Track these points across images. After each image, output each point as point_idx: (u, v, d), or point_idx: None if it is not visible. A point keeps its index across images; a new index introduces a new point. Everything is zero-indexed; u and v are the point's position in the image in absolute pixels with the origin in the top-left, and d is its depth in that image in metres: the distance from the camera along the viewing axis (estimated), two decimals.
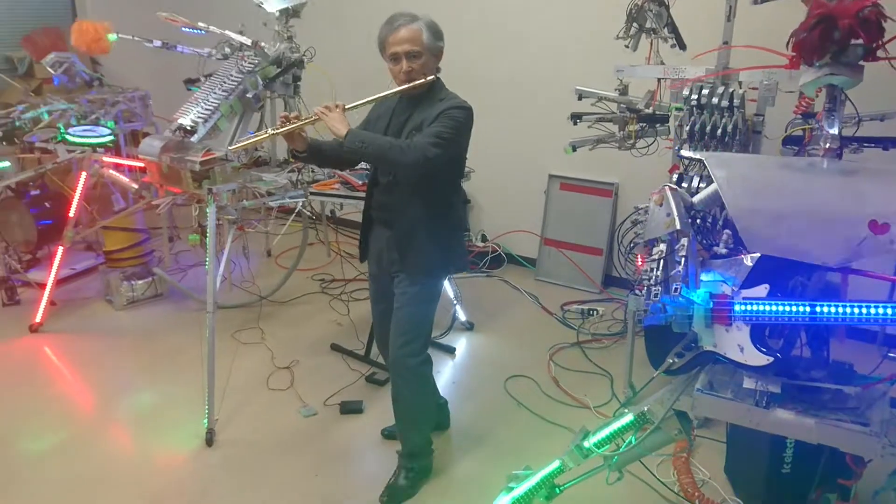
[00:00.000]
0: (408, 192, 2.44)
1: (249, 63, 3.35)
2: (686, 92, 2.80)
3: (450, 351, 3.62)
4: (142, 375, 3.43)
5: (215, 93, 3.29)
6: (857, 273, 1.62)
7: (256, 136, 2.38)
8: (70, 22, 6.19)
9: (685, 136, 2.82)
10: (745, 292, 1.73)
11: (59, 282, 4.34)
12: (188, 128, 3.20)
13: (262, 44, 3.36)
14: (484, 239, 4.80)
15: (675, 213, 1.83)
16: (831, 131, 1.75)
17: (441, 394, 2.99)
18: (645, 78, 3.00)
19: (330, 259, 4.79)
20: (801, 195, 1.61)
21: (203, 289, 4.18)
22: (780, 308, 1.64)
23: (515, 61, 4.49)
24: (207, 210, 3.00)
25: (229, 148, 2.37)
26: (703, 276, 1.84)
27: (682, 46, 2.97)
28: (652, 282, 1.82)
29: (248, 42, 3.16)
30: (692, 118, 2.78)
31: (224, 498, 2.57)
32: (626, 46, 3.06)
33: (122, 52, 4.25)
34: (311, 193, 3.24)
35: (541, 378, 3.34)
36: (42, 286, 4.11)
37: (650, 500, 2.53)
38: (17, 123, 4.36)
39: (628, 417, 2.11)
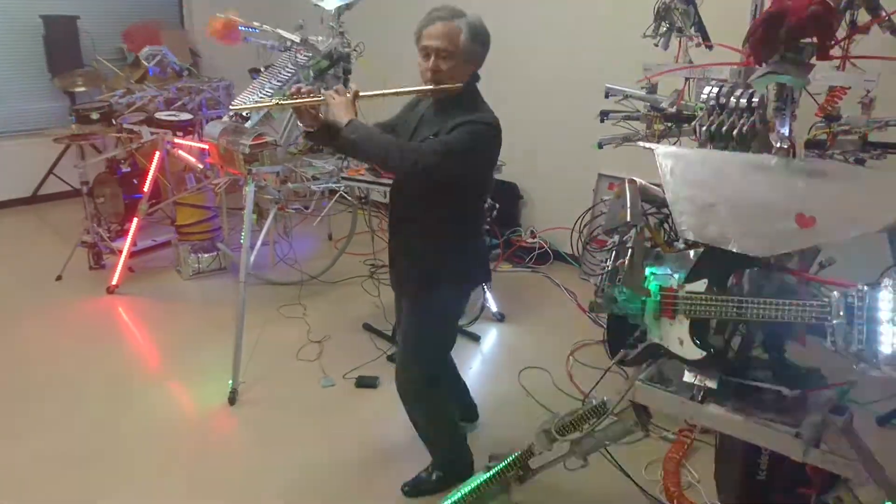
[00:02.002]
0: (413, 199, 2.32)
1: (304, 56, 3.61)
2: (706, 90, 2.77)
3: (475, 339, 3.72)
4: (194, 338, 3.75)
5: (271, 83, 3.57)
6: (784, 273, 1.60)
7: (261, 102, 2.27)
8: (178, 14, 6.79)
9: (706, 136, 2.79)
10: (688, 286, 1.75)
11: (140, 252, 4.81)
12: (243, 114, 3.50)
13: (313, 39, 3.60)
14: (532, 235, 4.85)
15: (629, 204, 1.87)
16: (782, 130, 1.73)
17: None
18: (672, 76, 2.98)
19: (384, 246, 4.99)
20: (737, 187, 1.61)
21: (262, 265, 4.53)
22: (712, 303, 1.65)
23: (570, 60, 4.52)
24: (246, 189, 3.26)
25: (230, 107, 2.40)
26: (657, 270, 1.87)
27: (709, 44, 2.92)
28: (604, 272, 1.88)
29: (298, 39, 3.39)
30: (711, 118, 2.75)
31: (236, 450, 2.82)
32: (656, 45, 3.05)
33: (219, 47, 4.51)
34: (342, 178, 3.43)
35: (556, 372, 3.38)
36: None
37: (631, 497, 2.53)
38: (115, 107, 4.89)
39: (591, 406, 2.15)
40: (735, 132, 2.78)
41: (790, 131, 1.75)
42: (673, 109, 3.03)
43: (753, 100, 2.72)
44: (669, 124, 3.08)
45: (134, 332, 3.91)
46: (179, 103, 4.92)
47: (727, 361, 1.77)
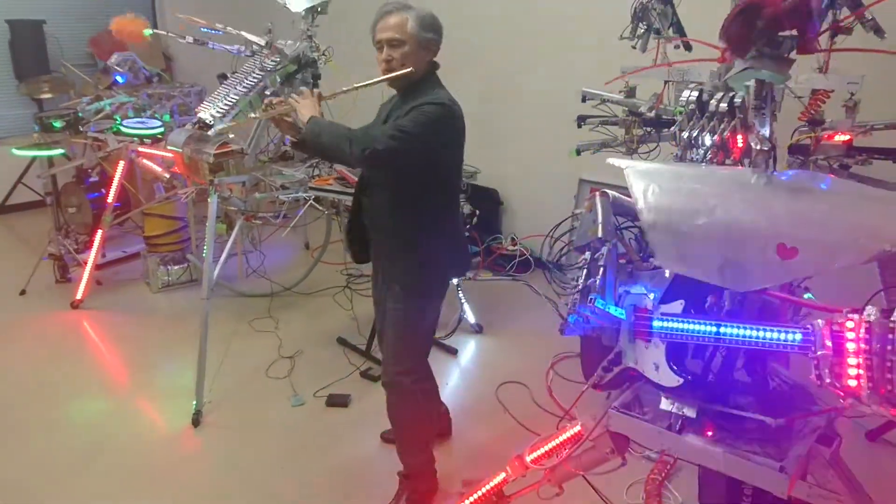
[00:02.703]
0: (384, 196, 2.30)
1: (271, 61, 3.48)
2: (685, 93, 2.66)
3: (451, 352, 3.59)
4: (161, 354, 3.60)
5: (236, 89, 3.43)
6: (764, 294, 1.49)
7: (239, 118, 2.39)
8: (150, 18, 6.61)
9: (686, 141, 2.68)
10: (664, 307, 1.63)
11: (109, 263, 4.66)
12: (207, 122, 3.36)
13: (280, 43, 3.47)
14: (513, 242, 4.73)
15: (601, 219, 1.75)
16: (762, 131, 1.62)
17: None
18: (651, 79, 2.86)
19: None
20: (714, 212, 1.49)
21: (233, 277, 4.39)
22: (688, 326, 1.53)
23: (551, 68, 4.41)
24: (209, 200, 3.12)
25: (216, 128, 2.40)
26: (631, 288, 1.75)
27: (688, 47, 2.81)
28: (575, 290, 1.76)
29: (262, 42, 3.27)
30: (691, 123, 2.63)
31: (198, 476, 2.68)
32: (634, 47, 2.93)
33: (194, 51, 4.32)
34: (310, 188, 3.30)
35: (536, 386, 3.25)
36: (93, 265, 4.43)
37: None
38: (80, 115, 4.71)
39: (564, 431, 2.03)
40: (716, 137, 2.68)
41: (771, 132, 1.64)
42: (652, 114, 2.91)
43: (735, 101, 2.64)
44: (648, 129, 2.97)
45: (98, 349, 3.76)
46: (150, 111, 4.75)
47: (707, 386, 1.65)
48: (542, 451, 2.08)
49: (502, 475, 2.21)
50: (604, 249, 1.71)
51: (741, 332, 1.43)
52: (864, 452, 2.75)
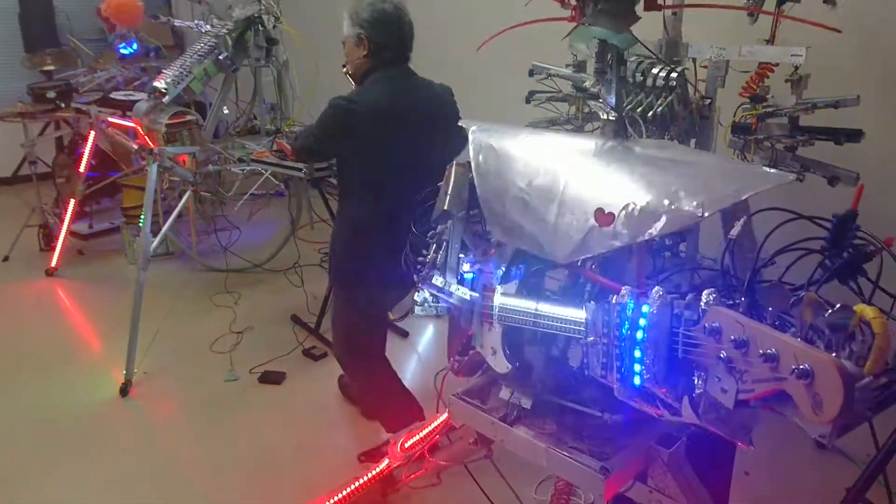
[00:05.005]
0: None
1: (226, 29, 3.43)
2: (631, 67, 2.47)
3: (403, 335, 3.49)
4: (120, 324, 3.59)
5: (192, 57, 3.40)
6: (583, 272, 1.33)
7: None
8: None
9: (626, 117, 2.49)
10: (503, 288, 1.49)
11: (96, 234, 4.73)
12: (162, 90, 3.33)
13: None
14: None
15: (450, 191, 1.61)
16: (609, 100, 1.46)
17: None
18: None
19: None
20: (548, 178, 1.33)
21: (211, 253, 4.38)
22: (513, 304, 1.39)
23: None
24: (148, 169, 3.09)
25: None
26: (486, 266, 1.61)
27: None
28: (421, 267, 1.63)
29: None
30: (629, 98, 2.45)
31: (111, 446, 2.66)
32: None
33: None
34: (252, 160, 3.23)
35: None
36: (78, 236, 4.51)
37: None
38: (77, 86, 4.79)
39: (436, 418, 1.91)
40: (650, 113, 2.49)
41: (617, 100, 1.47)
42: (597, 89, 2.73)
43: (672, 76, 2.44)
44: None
45: (61, 317, 3.81)
46: (139, 82, 4.79)
47: (559, 376, 1.50)
48: (416, 438, 1.98)
49: (386, 461, 2.11)
50: (449, 223, 1.58)
51: (553, 312, 1.28)
52: (812, 462, 2.54)
